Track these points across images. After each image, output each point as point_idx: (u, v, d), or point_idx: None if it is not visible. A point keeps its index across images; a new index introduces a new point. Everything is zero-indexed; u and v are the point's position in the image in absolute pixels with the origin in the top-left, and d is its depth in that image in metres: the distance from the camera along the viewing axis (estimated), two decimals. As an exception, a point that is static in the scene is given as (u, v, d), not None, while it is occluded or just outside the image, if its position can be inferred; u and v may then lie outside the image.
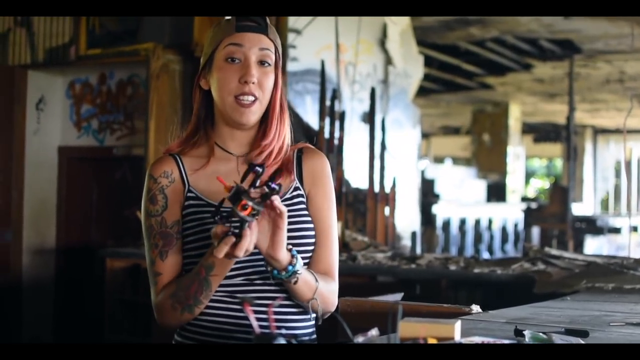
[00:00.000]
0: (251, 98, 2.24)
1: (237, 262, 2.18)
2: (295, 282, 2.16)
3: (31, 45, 7.49)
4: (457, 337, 1.89)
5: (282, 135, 2.34)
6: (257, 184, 2.02)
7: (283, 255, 2.11)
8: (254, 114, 2.26)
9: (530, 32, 11.34)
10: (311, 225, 2.31)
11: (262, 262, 2.19)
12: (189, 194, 2.27)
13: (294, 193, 2.32)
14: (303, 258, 2.24)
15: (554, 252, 5.32)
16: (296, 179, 2.34)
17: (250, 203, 1.96)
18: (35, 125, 7.77)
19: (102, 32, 7.19)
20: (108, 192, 8.04)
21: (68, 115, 7.91)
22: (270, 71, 2.28)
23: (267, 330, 1.71)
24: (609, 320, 2.80)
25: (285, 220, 2.06)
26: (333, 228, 2.37)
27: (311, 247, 2.30)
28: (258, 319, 2.10)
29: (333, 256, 2.36)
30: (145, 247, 2.31)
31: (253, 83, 2.23)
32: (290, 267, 2.13)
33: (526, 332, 2.12)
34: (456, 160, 23.37)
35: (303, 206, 2.33)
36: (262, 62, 2.27)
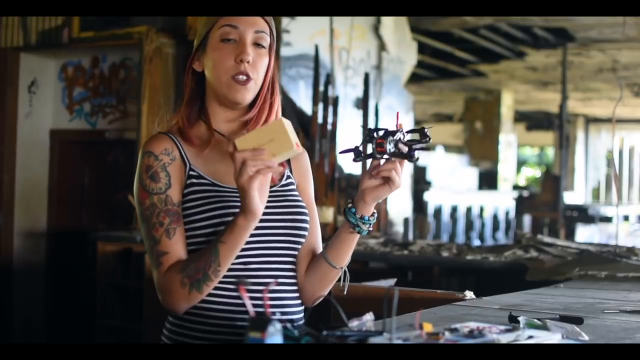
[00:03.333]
0: (244, 77, 2.25)
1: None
2: (366, 232, 2.28)
3: (24, 27, 7.45)
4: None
5: (271, 116, 2.34)
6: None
7: (374, 203, 2.25)
8: (249, 92, 2.27)
9: (524, 20, 11.32)
10: (306, 211, 2.35)
11: (257, 246, 2.21)
12: (191, 172, 2.25)
13: (288, 181, 2.39)
14: (297, 242, 2.31)
15: (547, 239, 5.33)
16: (287, 169, 2.41)
17: (388, 146, 2.11)
18: (27, 108, 7.75)
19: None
20: (100, 175, 8.02)
21: (60, 98, 7.89)
22: (265, 54, 2.30)
23: (261, 312, 1.70)
24: (603, 307, 2.80)
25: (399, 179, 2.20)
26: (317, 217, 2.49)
27: (306, 232, 2.34)
28: (254, 304, 2.12)
29: (321, 243, 2.46)
30: (145, 227, 2.23)
31: (248, 62, 2.24)
32: (374, 217, 2.27)
33: (521, 319, 2.11)
34: (448, 148, 23.36)
35: (297, 193, 2.39)
36: (257, 44, 2.28)
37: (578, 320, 2.27)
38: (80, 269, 7.64)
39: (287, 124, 2.01)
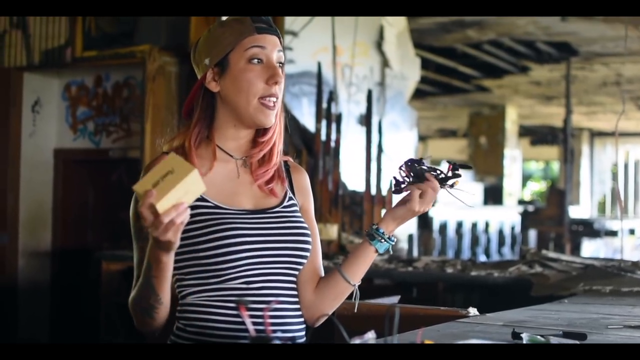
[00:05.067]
0: (274, 99, 2.26)
1: (236, 266, 2.20)
2: (383, 249, 2.35)
3: (27, 47, 7.46)
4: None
5: (281, 137, 2.36)
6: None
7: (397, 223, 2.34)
8: (275, 115, 2.29)
9: (527, 35, 11.33)
10: (309, 232, 2.36)
11: (260, 266, 2.21)
12: None
13: (291, 202, 2.39)
14: (299, 263, 2.32)
15: (552, 254, 5.31)
16: (288, 189, 2.41)
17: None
18: (31, 128, 7.75)
19: (98, 34, 7.16)
20: (104, 194, 8.01)
21: (64, 118, 7.88)
22: (283, 72, 2.31)
23: (262, 334, 1.70)
24: (607, 323, 2.78)
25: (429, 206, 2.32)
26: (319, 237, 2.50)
27: (308, 252, 2.34)
28: (255, 322, 2.11)
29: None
30: (134, 246, 2.27)
31: (279, 84, 2.27)
32: (393, 239, 2.36)
33: (524, 335, 2.11)
34: (453, 163, 23.31)
35: (299, 214, 2.39)
36: (279, 63, 2.29)
37: (581, 336, 2.26)
38: (85, 288, 7.63)
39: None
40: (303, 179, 2.47)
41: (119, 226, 7.53)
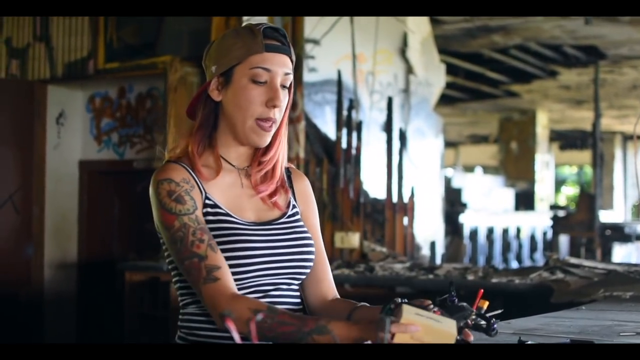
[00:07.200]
0: (271, 123, 2.22)
1: (244, 278, 2.19)
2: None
3: (50, 60, 7.51)
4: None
5: (284, 153, 2.35)
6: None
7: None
8: (269, 137, 2.26)
9: (553, 39, 11.27)
10: (312, 242, 2.34)
11: (266, 278, 2.21)
12: (207, 201, 2.23)
13: (294, 210, 2.37)
14: (302, 273, 2.30)
15: (573, 260, 5.26)
16: (291, 197, 2.39)
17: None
18: (55, 140, 7.79)
19: (120, 46, 7.19)
20: (129, 205, 8.04)
21: (88, 129, 7.93)
22: (287, 94, 2.27)
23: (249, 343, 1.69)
24: (620, 330, 2.75)
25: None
26: (323, 244, 2.44)
27: (311, 263, 2.33)
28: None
29: (330, 271, 2.43)
30: (180, 249, 2.15)
31: (279, 107, 2.22)
32: None
33: (528, 344, 2.09)
34: (486, 169, 23.25)
35: (302, 223, 2.37)
36: (283, 86, 2.25)
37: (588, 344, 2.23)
38: (110, 299, 7.65)
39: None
40: (305, 187, 2.44)
41: (144, 237, 7.56)
